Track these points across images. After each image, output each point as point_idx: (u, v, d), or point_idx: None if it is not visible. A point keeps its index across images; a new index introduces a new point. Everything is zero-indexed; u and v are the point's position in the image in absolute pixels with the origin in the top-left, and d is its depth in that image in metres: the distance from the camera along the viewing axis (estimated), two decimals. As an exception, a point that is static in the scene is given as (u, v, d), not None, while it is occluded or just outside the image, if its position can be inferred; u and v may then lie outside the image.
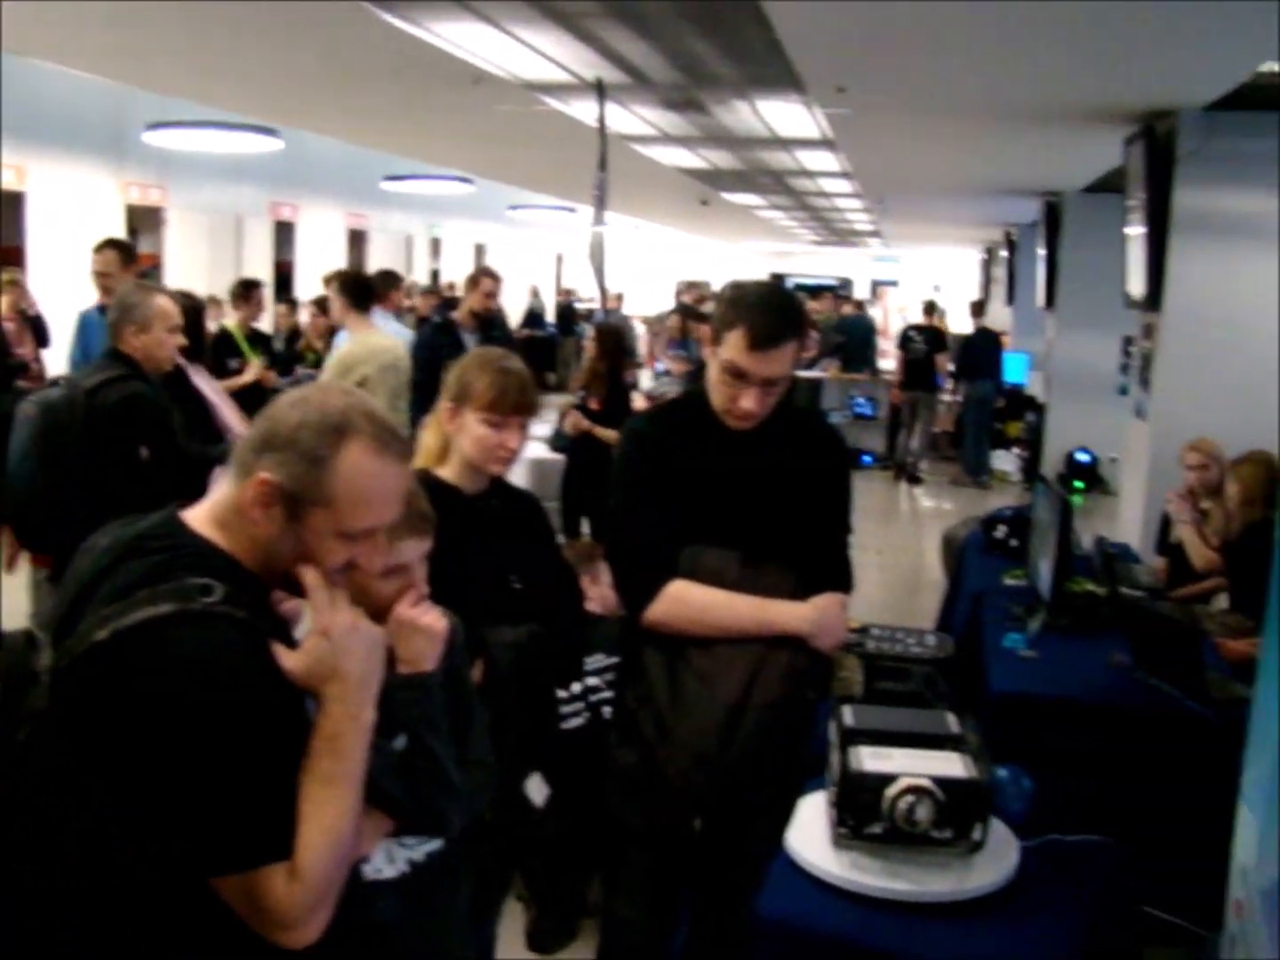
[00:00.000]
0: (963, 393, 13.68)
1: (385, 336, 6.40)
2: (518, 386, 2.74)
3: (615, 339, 7.44)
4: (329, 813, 1.71)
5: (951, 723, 3.55)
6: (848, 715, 3.56)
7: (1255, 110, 7.05)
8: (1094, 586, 4.99)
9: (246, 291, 8.72)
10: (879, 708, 3.71)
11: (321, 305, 6.30)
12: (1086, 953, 3.20)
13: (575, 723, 3.02)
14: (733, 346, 2.55)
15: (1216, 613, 5.48)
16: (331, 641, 1.77)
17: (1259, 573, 3.48)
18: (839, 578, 2.78)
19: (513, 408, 2.72)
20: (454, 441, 2.74)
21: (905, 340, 13.99)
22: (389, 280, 8.11)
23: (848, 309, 17.75)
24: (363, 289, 6.48)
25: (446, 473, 2.71)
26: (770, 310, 2.58)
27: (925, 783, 3.14)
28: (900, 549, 10.49)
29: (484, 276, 7.01)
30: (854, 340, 15.42)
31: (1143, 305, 7.85)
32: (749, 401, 2.57)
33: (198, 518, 1.81)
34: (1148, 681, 4.19)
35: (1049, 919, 3.22)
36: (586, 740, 2.92)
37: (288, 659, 1.74)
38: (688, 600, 2.59)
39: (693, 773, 2.54)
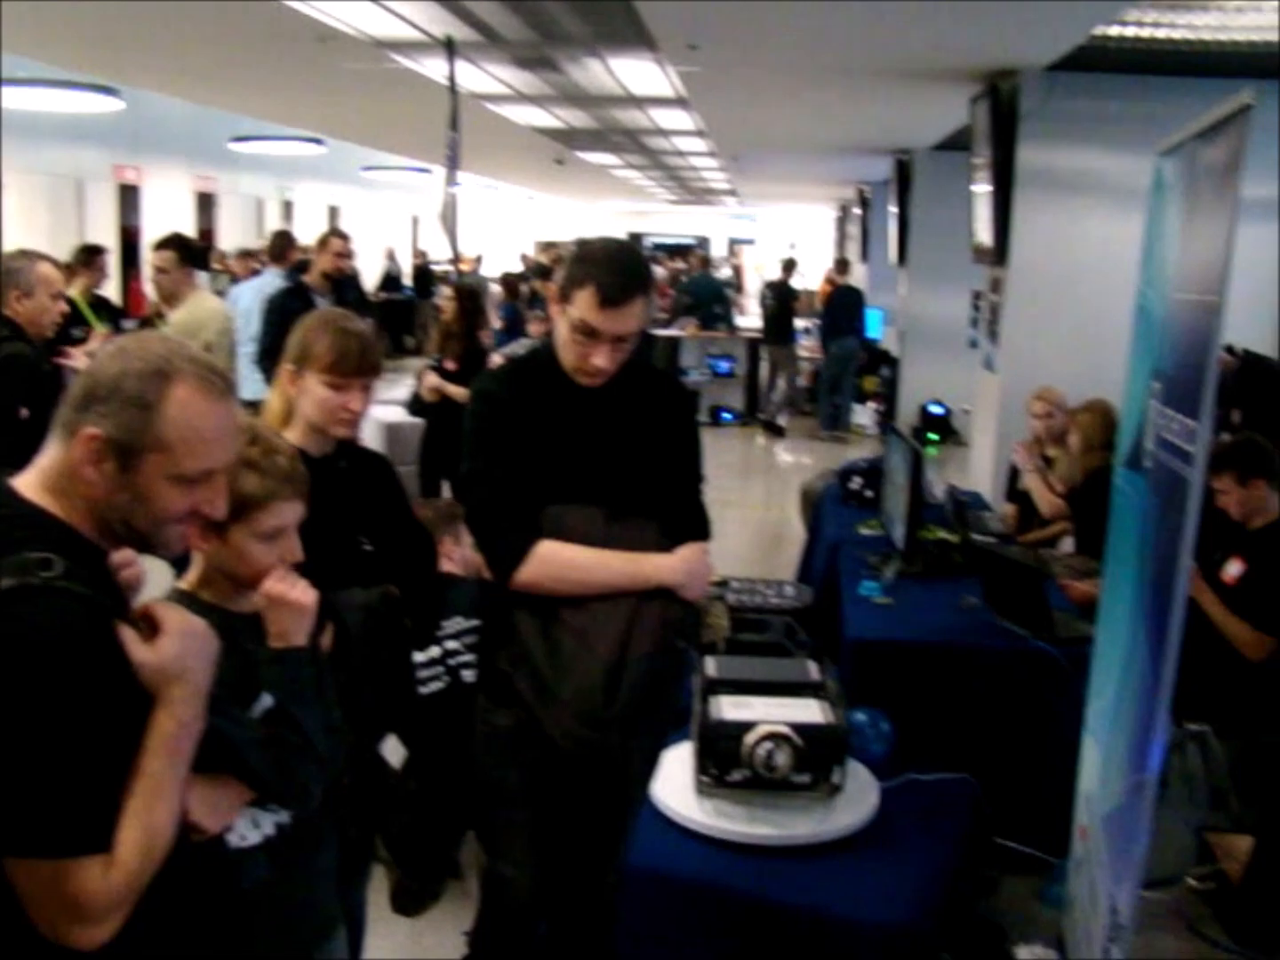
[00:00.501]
0: (827, 349, 13.84)
1: (214, 300, 6.33)
2: (359, 348, 2.71)
3: (471, 299, 7.40)
4: (155, 813, 1.67)
5: (811, 670, 3.64)
6: (710, 666, 3.62)
7: (1093, 71, 7.27)
8: (946, 534, 5.13)
9: (89, 257, 8.42)
10: (740, 658, 3.78)
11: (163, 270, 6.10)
12: (945, 885, 3.31)
13: (435, 687, 3.02)
14: (583, 305, 2.56)
15: (1062, 556, 5.67)
16: (182, 642, 1.73)
17: (1101, 517, 3.62)
18: (698, 527, 2.80)
19: (355, 369, 2.69)
20: (297, 404, 2.70)
21: (763, 297, 14.15)
22: (284, 240, 8.33)
23: (670, 265, 17.71)
24: (196, 254, 6.39)
25: (291, 436, 2.65)
26: (619, 268, 2.59)
27: (783, 729, 3.21)
28: (761, 503, 10.64)
29: (333, 237, 6.89)
30: (703, 299, 15.47)
31: (989, 260, 8.05)
32: (600, 359, 2.58)
33: (28, 485, 1.73)
34: (998, 623, 4.33)
35: (909, 855, 3.33)
36: (446, 704, 2.92)
37: (138, 650, 1.69)
38: (558, 560, 2.59)
39: (580, 731, 2.56)
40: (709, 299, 15.41)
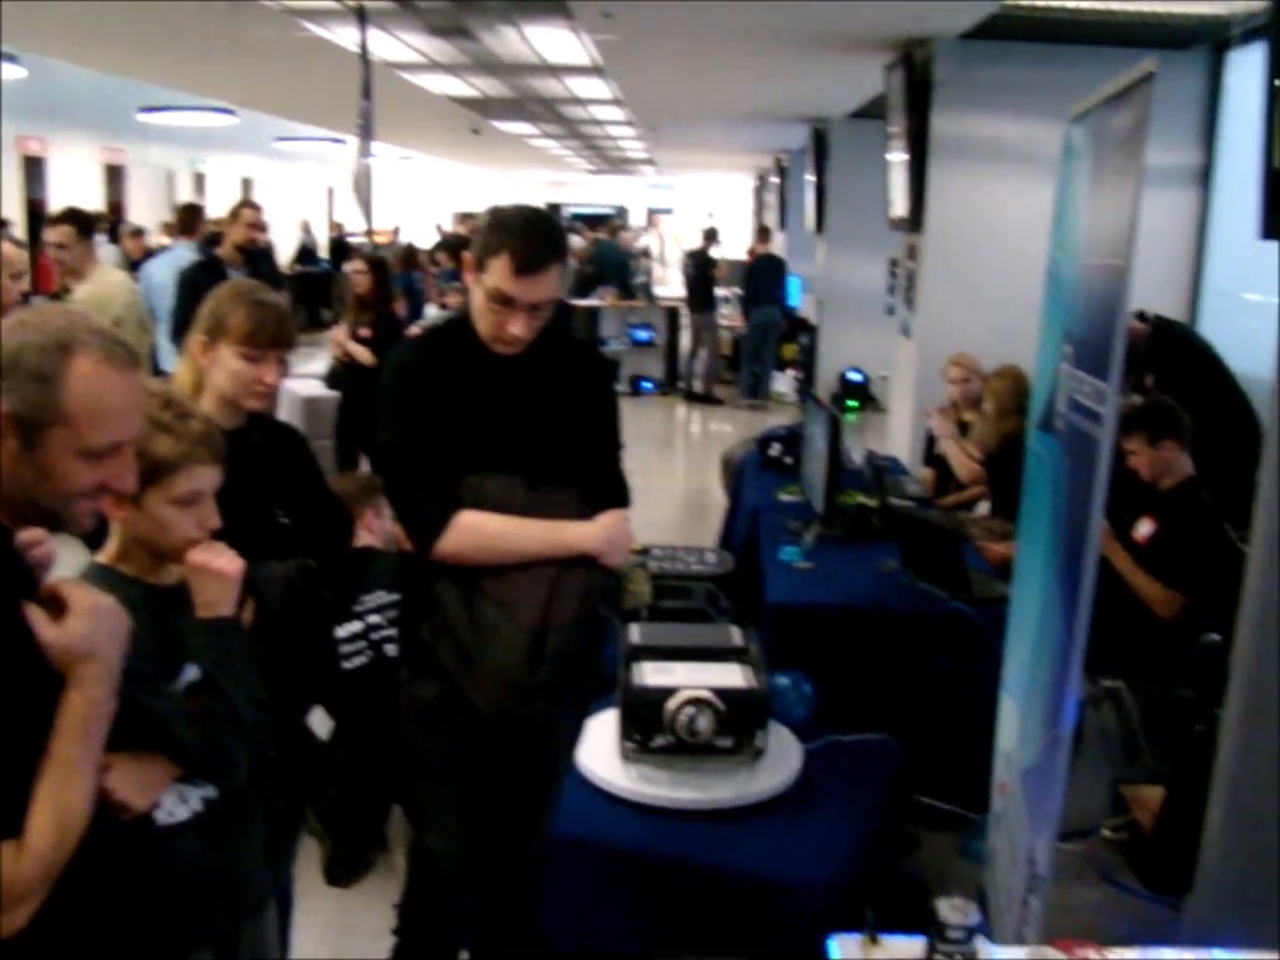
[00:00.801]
0: (749, 318, 13.88)
1: (118, 273, 6.22)
2: (275, 319, 2.68)
3: (382, 268, 7.37)
4: (67, 795, 1.64)
5: (734, 635, 3.67)
6: (634, 633, 3.65)
7: (1006, 40, 7.34)
8: (865, 498, 5.19)
9: (-10, 232, 8.29)
10: (664, 625, 3.81)
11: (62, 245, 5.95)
12: (868, 844, 3.37)
13: (359, 661, 3.01)
14: (498, 273, 2.55)
15: (979, 519, 5.76)
16: (91, 621, 1.70)
17: (1015, 480, 3.68)
18: (618, 495, 2.81)
19: (270, 341, 2.66)
20: (208, 376, 2.67)
21: (684, 266, 14.18)
22: (191, 213, 8.25)
23: (602, 236, 17.60)
24: (94, 226, 6.27)
25: (202, 408, 2.63)
26: (533, 235, 2.58)
27: (705, 694, 3.25)
28: (683, 472, 10.69)
29: (244, 208, 6.79)
30: (608, 268, 15.40)
31: (905, 227, 8.12)
32: (516, 327, 2.57)
33: None
34: (916, 585, 4.39)
35: (832, 815, 3.38)
36: (370, 678, 2.91)
37: (47, 630, 1.66)
38: (479, 530, 2.59)
39: (505, 700, 2.56)
40: (613, 269, 15.33)
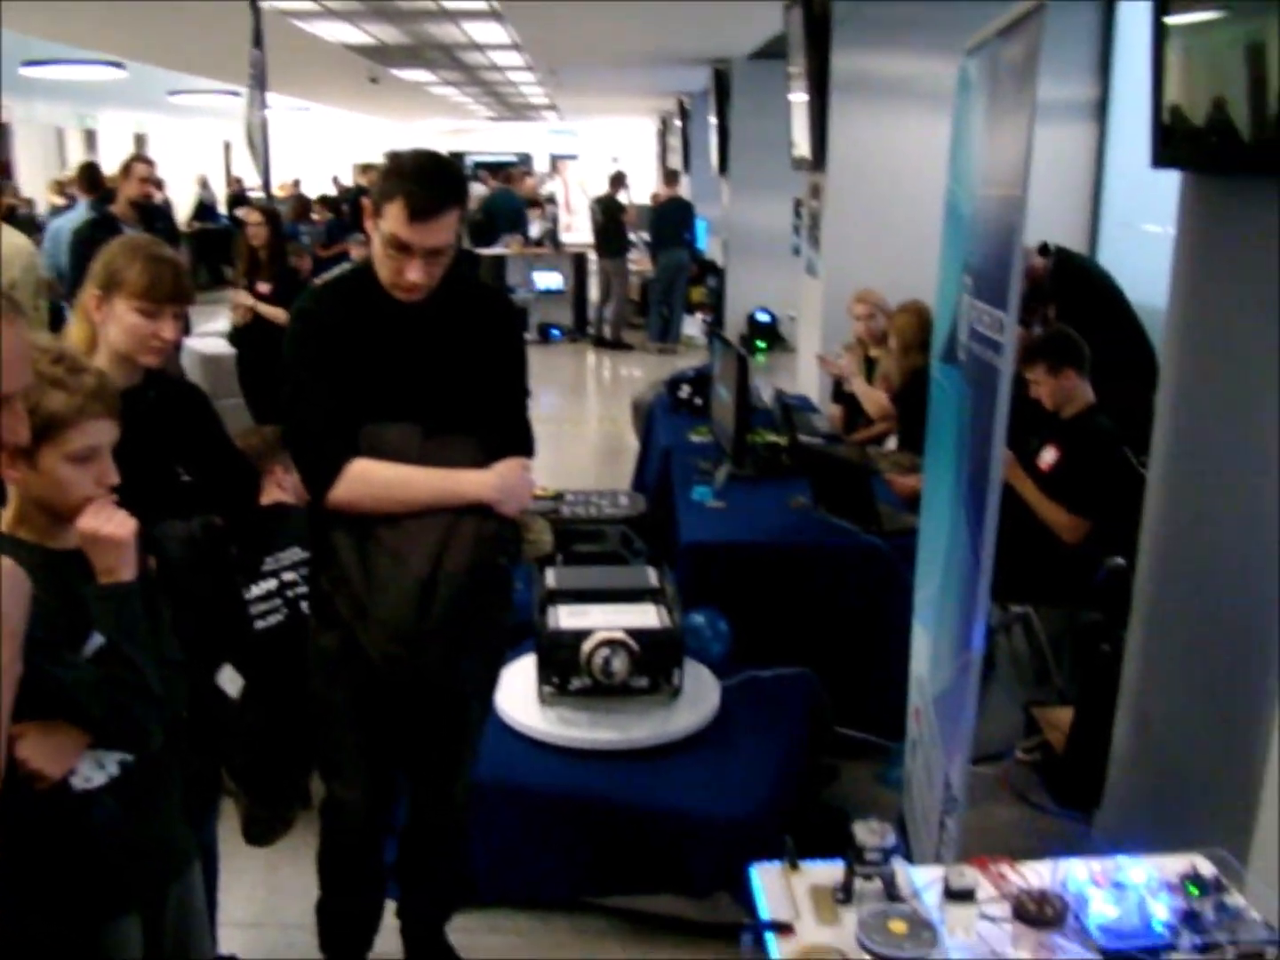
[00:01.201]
0: (657, 261, 13.82)
1: (16, 235, 6.05)
2: (171, 273, 2.62)
3: (277, 220, 7.25)
4: None
5: (650, 576, 3.70)
6: (549, 578, 3.66)
7: (903, -24, 7.34)
8: (775, 437, 5.22)
9: None
10: (580, 568, 3.82)
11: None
12: (787, 776, 3.42)
13: (274, 620, 2.98)
14: (393, 218, 2.51)
15: (888, 453, 5.82)
16: None
17: (921, 414, 3.72)
18: (520, 443, 2.79)
19: (168, 296, 2.60)
20: (103, 332, 2.61)
21: (591, 212, 14.08)
22: (93, 170, 8.06)
23: (493, 184, 17.35)
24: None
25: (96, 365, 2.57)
26: (429, 180, 2.54)
27: (619, 635, 3.27)
28: (595, 418, 10.68)
29: (137, 163, 6.64)
30: (502, 216, 15.23)
31: (809, 166, 8.12)
32: (414, 273, 2.54)
33: None
34: (827, 520, 4.44)
35: (751, 750, 3.43)
36: (287, 636, 2.89)
37: None
38: (371, 478, 2.57)
39: (392, 647, 2.55)
40: (507, 217, 15.16)
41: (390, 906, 3.13)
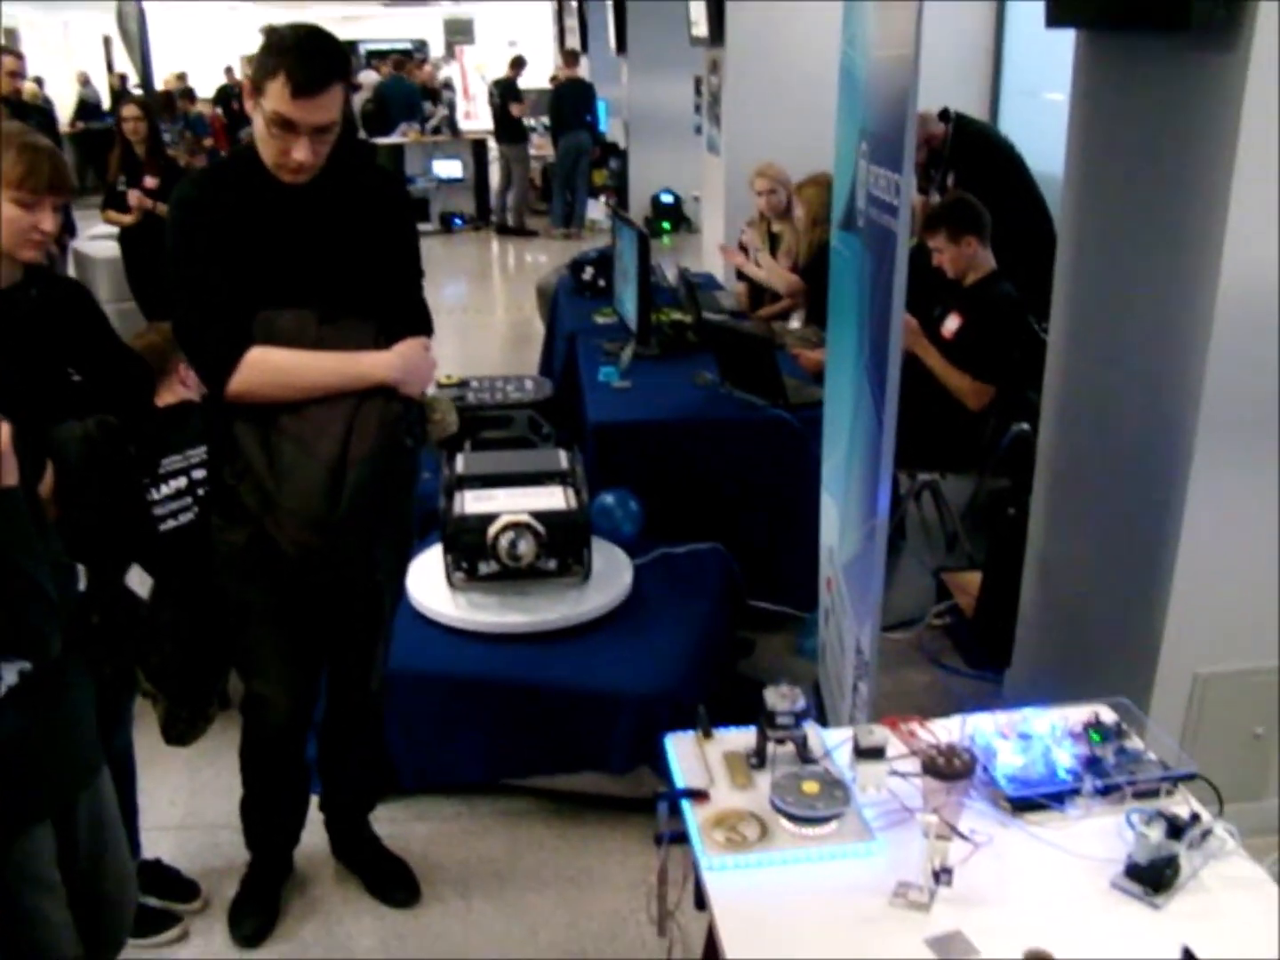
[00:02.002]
0: (558, 145, 13.55)
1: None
2: (49, 163, 2.50)
3: (155, 111, 7.02)
4: None
5: (560, 459, 3.67)
6: (458, 463, 3.62)
7: None
8: (679, 315, 5.19)
9: None
10: (491, 453, 3.78)
11: None
12: (702, 650, 3.45)
13: (185, 519, 2.92)
14: (276, 96, 2.41)
15: (795, 329, 5.82)
16: None
17: (827, 287, 3.69)
18: (418, 323, 2.73)
19: (46, 186, 2.48)
20: None
21: (490, 97, 13.75)
22: None
23: (386, 71, 16.82)
24: None
25: None
26: (311, 54, 2.44)
27: (524, 518, 3.25)
28: (501, 306, 10.54)
29: (2, 55, 6.36)
30: (397, 104, 14.81)
31: (707, 43, 7.98)
32: (301, 153, 2.45)
33: None
34: (734, 395, 4.43)
35: (666, 626, 3.45)
36: (198, 534, 2.83)
37: None
38: (269, 365, 2.50)
39: (305, 537, 2.50)
40: (401, 105, 14.76)
41: (314, 802, 3.13)
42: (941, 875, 1.70)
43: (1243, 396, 2.80)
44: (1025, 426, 4.56)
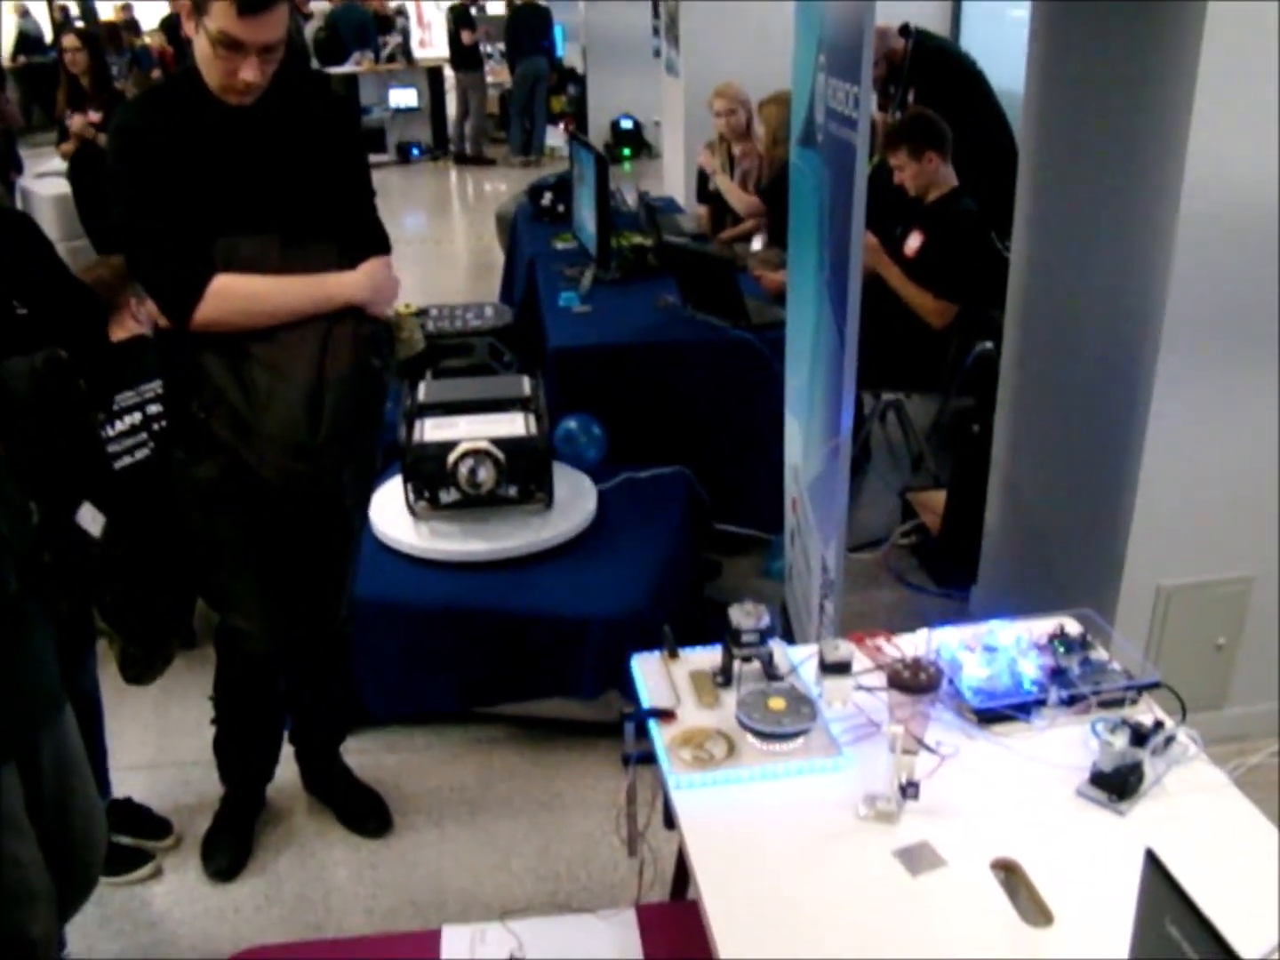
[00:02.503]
0: (515, 71, 13.32)
1: None
2: None
3: (98, 43, 6.84)
4: None
5: (524, 386, 3.63)
6: (420, 391, 3.58)
7: None
8: (640, 238, 5.13)
9: None
10: (453, 380, 3.74)
11: None
12: (668, 573, 3.44)
13: (142, 454, 2.88)
14: (221, 15, 2.33)
15: (757, 251, 5.76)
16: None
17: (787, 209, 3.65)
18: (377, 242, 2.68)
19: None
20: None
21: (446, 23, 13.49)
22: None
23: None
24: None
25: None
26: None
27: (483, 445, 3.22)
28: (462, 236, 10.42)
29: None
30: (349, 31, 14.47)
31: (663, -39, 7.87)
32: (249, 73, 2.37)
33: None
34: (696, 317, 4.39)
35: (632, 550, 3.43)
36: (154, 470, 2.79)
37: None
38: (236, 293, 2.44)
39: (289, 463, 2.47)
40: (354, 32, 14.43)
41: (285, 736, 3.12)
42: (908, 789, 1.70)
43: (1205, 312, 2.80)
44: (989, 345, 4.55)
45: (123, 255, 2.68)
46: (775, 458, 3.76)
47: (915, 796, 1.70)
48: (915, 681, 1.83)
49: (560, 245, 5.50)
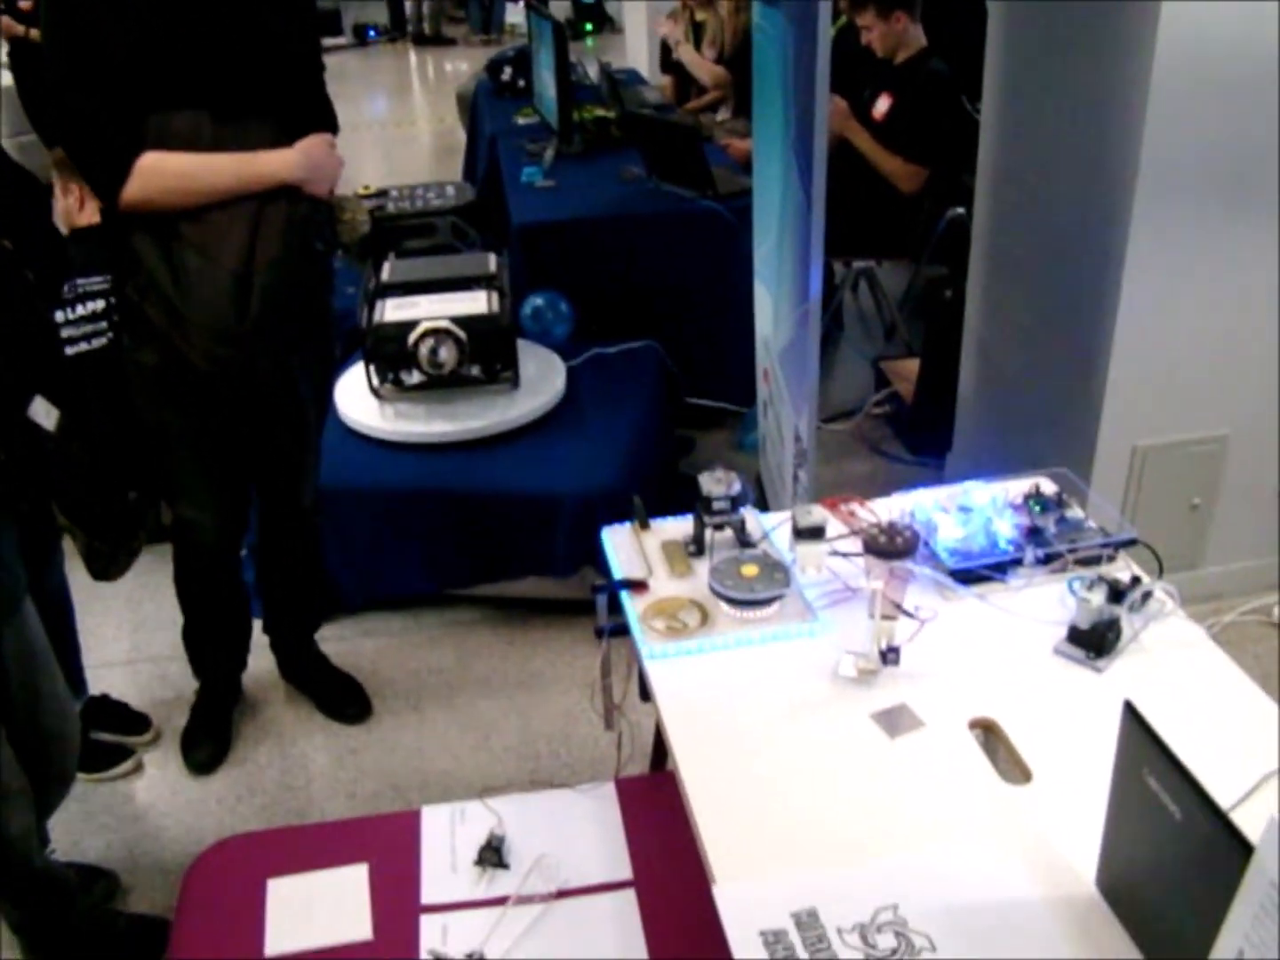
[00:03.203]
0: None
1: None
2: None
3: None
4: None
5: (490, 263, 3.55)
6: (384, 271, 3.50)
7: None
8: (603, 111, 5.01)
9: None
10: (416, 260, 3.66)
11: None
12: (641, 448, 3.40)
13: (99, 342, 2.81)
14: None
15: (723, 120, 5.65)
16: None
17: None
18: (322, 117, 2.58)
19: None
20: None
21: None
22: None
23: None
24: None
25: None
26: None
27: (444, 324, 3.14)
28: (424, 118, 10.19)
29: None
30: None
31: None
32: None
33: None
34: (662, 188, 4.29)
35: (603, 426, 3.39)
36: (112, 358, 2.72)
37: None
38: (164, 170, 2.33)
39: (216, 349, 2.40)
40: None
41: (259, 626, 3.10)
42: (888, 655, 1.68)
43: (1180, 167, 2.73)
44: (960, 211, 4.47)
45: (55, 128, 2.57)
46: (747, 330, 3.71)
47: (896, 662, 1.68)
48: (891, 546, 1.80)
49: (522, 120, 5.37)
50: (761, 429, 3.64)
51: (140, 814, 2.86)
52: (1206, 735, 1.52)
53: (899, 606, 1.73)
